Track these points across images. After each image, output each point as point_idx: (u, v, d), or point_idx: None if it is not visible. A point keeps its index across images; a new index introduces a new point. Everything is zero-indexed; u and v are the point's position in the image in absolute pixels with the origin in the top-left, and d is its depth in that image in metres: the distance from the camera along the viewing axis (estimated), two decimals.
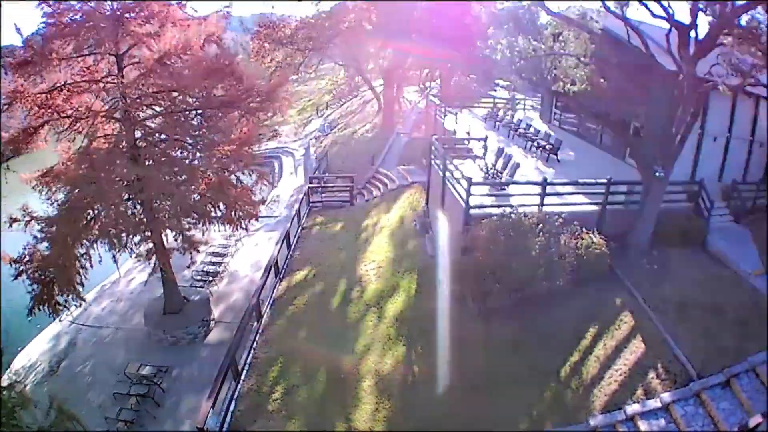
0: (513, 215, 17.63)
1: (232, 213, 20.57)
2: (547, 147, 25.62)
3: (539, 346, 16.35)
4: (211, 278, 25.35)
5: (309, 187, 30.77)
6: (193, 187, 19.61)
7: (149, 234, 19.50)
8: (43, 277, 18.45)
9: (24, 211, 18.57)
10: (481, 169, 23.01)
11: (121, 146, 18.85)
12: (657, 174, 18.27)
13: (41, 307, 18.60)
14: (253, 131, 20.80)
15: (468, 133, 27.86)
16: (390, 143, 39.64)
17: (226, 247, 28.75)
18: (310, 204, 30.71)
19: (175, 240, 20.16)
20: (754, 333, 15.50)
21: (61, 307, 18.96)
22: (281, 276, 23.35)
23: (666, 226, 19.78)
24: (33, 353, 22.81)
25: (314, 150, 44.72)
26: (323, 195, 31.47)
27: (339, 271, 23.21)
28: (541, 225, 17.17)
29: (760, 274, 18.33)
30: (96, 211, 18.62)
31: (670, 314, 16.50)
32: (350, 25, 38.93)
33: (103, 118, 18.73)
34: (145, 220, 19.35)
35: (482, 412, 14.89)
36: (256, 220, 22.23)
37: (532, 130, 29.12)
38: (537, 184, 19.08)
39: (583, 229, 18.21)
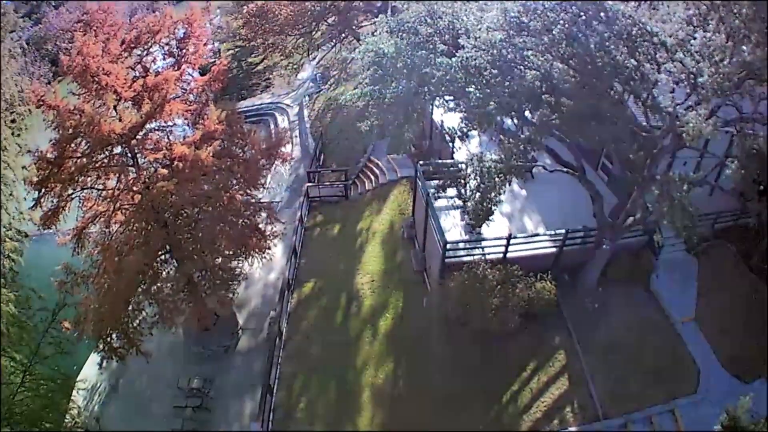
0: (478, 271, 22.86)
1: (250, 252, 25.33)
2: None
3: (491, 372, 23.34)
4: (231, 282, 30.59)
5: (308, 186, 35.98)
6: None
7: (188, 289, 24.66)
8: (101, 333, 22.30)
9: (67, 270, 22.76)
10: (460, 197, 27.16)
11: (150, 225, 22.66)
12: (604, 246, 23.13)
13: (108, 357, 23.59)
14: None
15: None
16: None
17: None
18: (310, 199, 35.98)
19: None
20: (663, 380, 21.87)
21: (125, 352, 23.56)
22: (292, 289, 29.22)
23: (615, 265, 24.74)
24: (91, 374, 28.08)
25: (308, 113, 48.26)
26: (321, 189, 36.56)
27: (339, 283, 29.56)
28: (499, 286, 22.49)
29: (688, 321, 23.59)
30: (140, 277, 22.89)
31: (596, 356, 23.01)
32: None
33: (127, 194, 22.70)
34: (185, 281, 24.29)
35: (445, 424, 22.19)
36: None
37: None
38: (503, 239, 24.16)
39: (538, 275, 23.66)
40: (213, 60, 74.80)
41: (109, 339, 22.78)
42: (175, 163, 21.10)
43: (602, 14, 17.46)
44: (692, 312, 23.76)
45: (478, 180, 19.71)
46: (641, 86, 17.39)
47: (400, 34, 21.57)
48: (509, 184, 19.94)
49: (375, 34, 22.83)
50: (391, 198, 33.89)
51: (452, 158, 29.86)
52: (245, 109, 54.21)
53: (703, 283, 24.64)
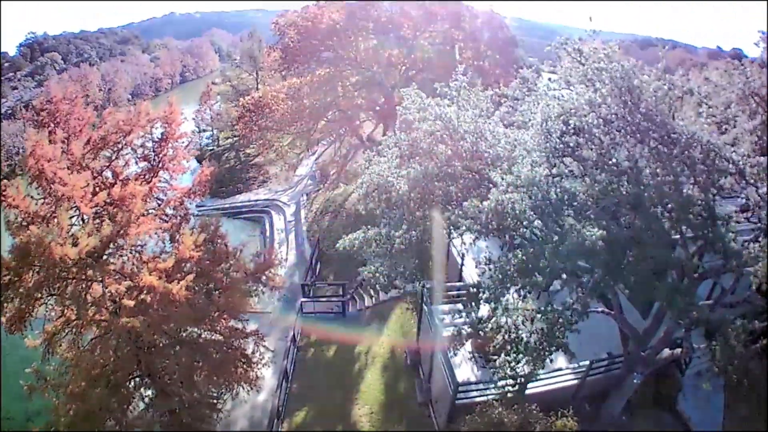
0: (494, 415, 20.21)
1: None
2: None
3: None
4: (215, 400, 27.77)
5: (302, 300, 33.51)
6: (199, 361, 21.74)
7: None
8: None
9: (37, 374, 20.33)
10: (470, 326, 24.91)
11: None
12: (635, 381, 20.73)
13: None
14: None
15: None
16: None
17: None
18: (304, 314, 33.43)
19: None
20: None
21: None
22: (282, 418, 26.40)
23: (640, 389, 22.09)
24: None
25: (305, 213, 46.79)
26: (316, 304, 34.18)
27: (335, 414, 26.49)
28: None
29: None
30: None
31: None
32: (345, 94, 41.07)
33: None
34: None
35: None
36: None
37: None
38: (520, 376, 21.38)
39: (558, 411, 20.81)
40: (211, 148, 75.77)
41: None
42: (143, 295, 18.52)
43: (669, 138, 14.87)
44: (719, 427, 22.23)
45: (509, 347, 16.72)
46: (713, 231, 14.64)
47: (413, 157, 19.07)
48: (549, 356, 16.77)
49: (381, 153, 20.47)
50: (392, 318, 31.54)
51: (460, 276, 27.85)
52: (240, 204, 52.93)
53: (730, 393, 22.68)
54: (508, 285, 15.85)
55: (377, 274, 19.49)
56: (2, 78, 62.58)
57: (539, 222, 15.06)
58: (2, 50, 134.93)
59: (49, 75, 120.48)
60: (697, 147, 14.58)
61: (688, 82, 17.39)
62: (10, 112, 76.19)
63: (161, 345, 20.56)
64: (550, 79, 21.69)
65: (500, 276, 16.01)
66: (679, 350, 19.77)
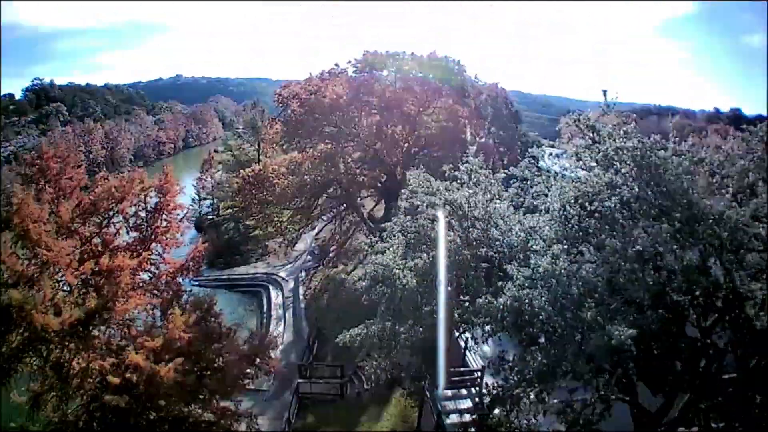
0: None
1: None
2: None
3: None
4: None
5: (299, 382, 32.57)
6: None
7: None
8: None
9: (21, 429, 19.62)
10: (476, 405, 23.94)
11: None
12: None
13: None
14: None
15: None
16: None
17: None
18: (300, 396, 32.40)
19: None
20: None
21: None
22: None
23: None
24: None
25: (303, 290, 46.13)
26: (313, 385, 33.18)
27: None
28: None
29: None
30: None
31: None
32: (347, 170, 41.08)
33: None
34: None
35: None
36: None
37: None
38: None
39: None
40: (211, 217, 75.63)
41: None
42: (128, 374, 17.75)
43: (694, 217, 13.99)
44: None
45: None
46: (741, 314, 13.75)
47: (418, 245, 18.18)
48: None
49: (385, 239, 19.55)
50: (392, 401, 30.45)
51: (463, 360, 27.00)
52: (238, 276, 52.37)
53: None
54: (526, 389, 14.99)
55: (379, 371, 18.78)
56: (7, 122, 63.02)
57: (559, 318, 14.01)
58: (8, 92, 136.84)
59: (53, 125, 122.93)
60: (724, 225, 13.83)
61: (698, 152, 16.58)
62: (12, 156, 76.53)
63: (148, 420, 19.71)
64: (551, 153, 21.30)
65: (517, 379, 15.13)
66: (695, 429, 18.88)
